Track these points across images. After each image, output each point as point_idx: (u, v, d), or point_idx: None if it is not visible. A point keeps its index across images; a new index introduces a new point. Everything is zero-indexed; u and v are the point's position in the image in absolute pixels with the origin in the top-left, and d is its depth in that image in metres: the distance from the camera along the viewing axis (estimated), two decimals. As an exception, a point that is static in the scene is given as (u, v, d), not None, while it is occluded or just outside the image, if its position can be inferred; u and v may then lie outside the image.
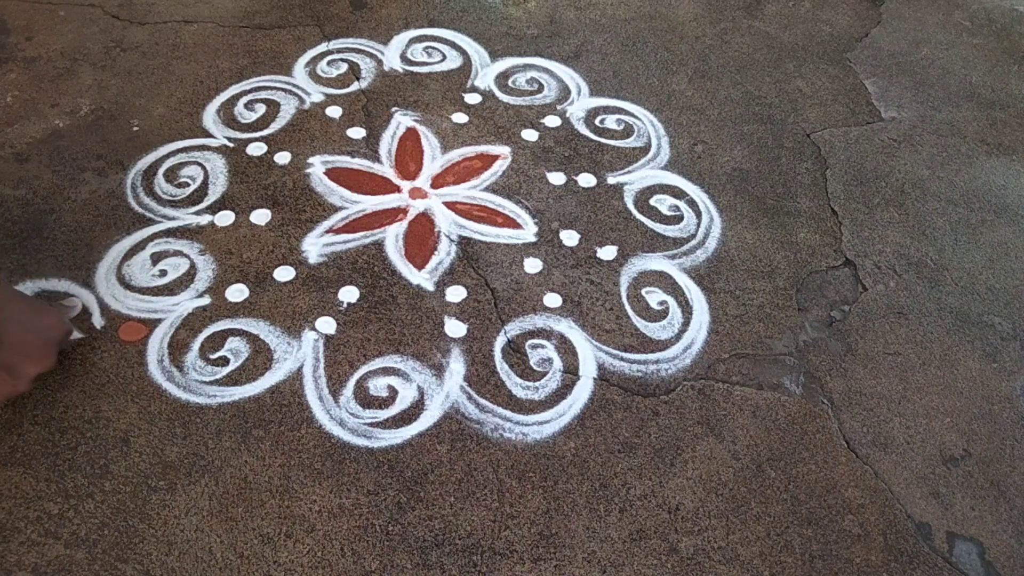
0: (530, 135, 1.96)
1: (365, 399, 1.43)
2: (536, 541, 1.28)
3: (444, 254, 1.68)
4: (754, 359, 1.57)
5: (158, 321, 1.50)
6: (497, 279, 1.64)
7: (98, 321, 1.48)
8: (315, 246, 1.66)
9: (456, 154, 1.89)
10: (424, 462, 1.36)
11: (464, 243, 1.70)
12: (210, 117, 1.90)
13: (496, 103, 2.04)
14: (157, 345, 1.46)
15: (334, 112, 1.96)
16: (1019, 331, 1.69)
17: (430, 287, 1.61)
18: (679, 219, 1.81)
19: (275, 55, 2.09)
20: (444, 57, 2.15)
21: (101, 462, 1.31)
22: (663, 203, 1.84)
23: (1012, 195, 1.98)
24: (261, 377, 1.44)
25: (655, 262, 1.72)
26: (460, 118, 1.98)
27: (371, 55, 2.13)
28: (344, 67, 2.08)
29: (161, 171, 1.76)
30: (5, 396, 1.23)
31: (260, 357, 1.47)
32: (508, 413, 1.44)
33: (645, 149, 1.97)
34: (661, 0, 2.45)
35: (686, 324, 1.61)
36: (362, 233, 1.70)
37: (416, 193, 1.79)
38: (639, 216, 1.80)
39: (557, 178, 1.86)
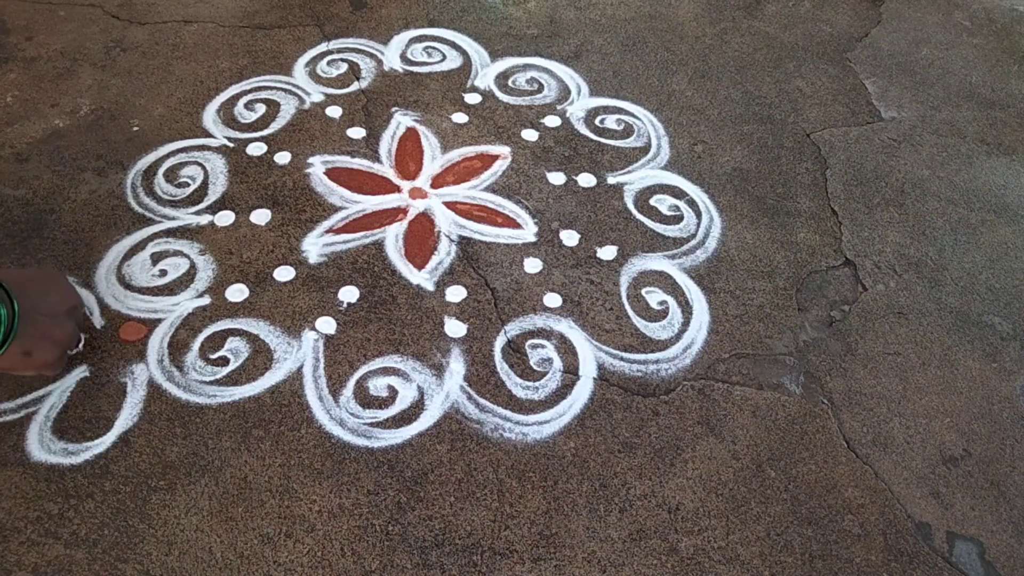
0: (530, 135, 1.96)
1: (365, 399, 1.43)
2: (536, 541, 1.28)
3: (444, 254, 1.68)
4: (754, 359, 1.57)
5: (158, 321, 1.50)
6: (497, 279, 1.64)
7: (98, 321, 1.48)
8: (315, 246, 1.66)
9: (456, 154, 1.89)
10: (424, 462, 1.36)
11: (464, 243, 1.70)
12: (210, 117, 1.90)
13: (496, 103, 2.04)
14: (157, 345, 1.46)
15: (334, 112, 1.95)
16: (1019, 331, 1.69)
17: (430, 287, 1.61)
18: (679, 219, 1.81)
19: (275, 55, 2.08)
20: (444, 57, 2.15)
21: (101, 462, 1.31)
22: (663, 203, 1.83)
23: (1012, 195, 1.98)
24: (261, 377, 1.44)
25: (655, 262, 1.72)
26: (460, 118, 1.98)
27: (371, 55, 2.13)
28: (344, 67, 2.08)
29: (161, 171, 1.76)
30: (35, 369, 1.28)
31: (260, 357, 1.47)
32: (508, 413, 1.43)
33: (645, 149, 1.96)
34: (661, 0, 2.45)
35: (686, 324, 1.61)
36: (362, 233, 1.70)
37: (416, 193, 1.79)
38: (639, 216, 1.80)
39: (557, 178, 1.86)
